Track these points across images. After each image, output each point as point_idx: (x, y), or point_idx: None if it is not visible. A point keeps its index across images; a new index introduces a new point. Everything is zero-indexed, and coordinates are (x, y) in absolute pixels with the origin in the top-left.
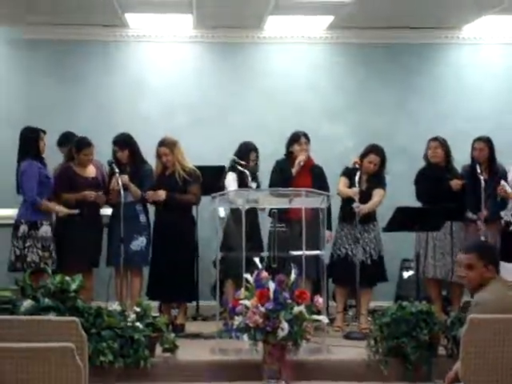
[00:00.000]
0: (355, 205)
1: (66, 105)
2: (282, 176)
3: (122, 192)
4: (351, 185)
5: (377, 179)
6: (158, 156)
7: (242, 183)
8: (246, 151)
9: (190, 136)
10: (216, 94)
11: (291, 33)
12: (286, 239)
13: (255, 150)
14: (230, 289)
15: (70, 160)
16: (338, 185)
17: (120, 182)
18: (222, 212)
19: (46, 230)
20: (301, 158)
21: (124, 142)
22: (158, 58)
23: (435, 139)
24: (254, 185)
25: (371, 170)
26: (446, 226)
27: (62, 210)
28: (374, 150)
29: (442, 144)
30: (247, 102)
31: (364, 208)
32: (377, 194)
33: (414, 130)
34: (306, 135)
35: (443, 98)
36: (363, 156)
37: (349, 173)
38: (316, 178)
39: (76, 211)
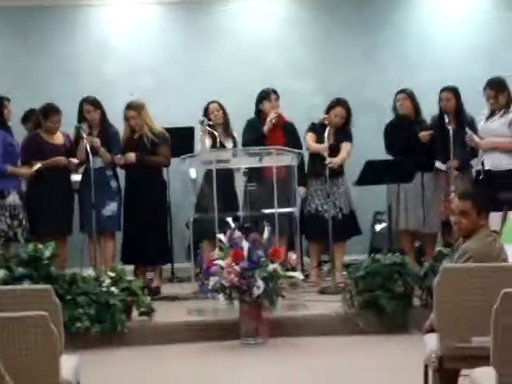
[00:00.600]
0: (328, 161)
1: (30, 72)
2: (254, 135)
3: (90, 157)
4: (319, 140)
5: (343, 133)
6: (126, 119)
7: (215, 143)
8: (206, 108)
9: (157, 98)
10: (182, 55)
11: None
12: (259, 197)
13: (220, 106)
14: (206, 250)
15: (36, 128)
16: (307, 141)
17: (88, 146)
18: (194, 173)
19: (13, 198)
20: (272, 116)
21: (97, 101)
22: (122, 21)
23: (403, 91)
24: (229, 142)
25: (337, 123)
26: (417, 178)
27: (26, 171)
28: (340, 103)
29: (410, 96)
30: (213, 61)
31: (336, 161)
32: (345, 148)
33: (382, 83)
34: (275, 92)
35: (409, 49)
36: (328, 110)
37: (316, 128)
38: (289, 135)
39: (38, 165)
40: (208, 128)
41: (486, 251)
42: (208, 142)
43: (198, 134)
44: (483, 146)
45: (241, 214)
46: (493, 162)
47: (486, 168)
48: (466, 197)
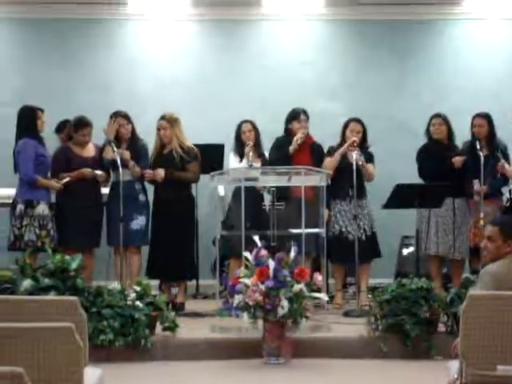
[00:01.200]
0: (355, 157)
1: (63, 84)
2: (281, 154)
3: (120, 170)
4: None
5: (364, 154)
6: (158, 129)
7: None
8: (238, 126)
9: (187, 114)
10: (214, 72)
11: (289, 9)
12: (286, 217)
13: (252, 126)
14: (232, 267)
15: (67, 140)
16: (325, 165)
17: (118, 158)
18: (222, 190)
19: (42, 208)
20: (298, 136)
21: (128, 115)
22: (156, 37)
23: (438, 116)
24: (258, 163)
25: (354, 139)
26: (449, 203)
27: (55, 184)
28: (353, 119)
29: (445, 120)
30: (245, 79)
31: (363, 160)
32: (369, 167)
33: (414, 108)
34: (305, 112)
35: (442, 74)
36: (344, 128)
37: (334, 151)
38: (315, 156)
39: (67, 179)
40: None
41: (505, 274)
42: (237, 161)
43: (230, 155)
44: (509, 173)
45: (269, 232)
46: None
47: None
48: (494, 223)
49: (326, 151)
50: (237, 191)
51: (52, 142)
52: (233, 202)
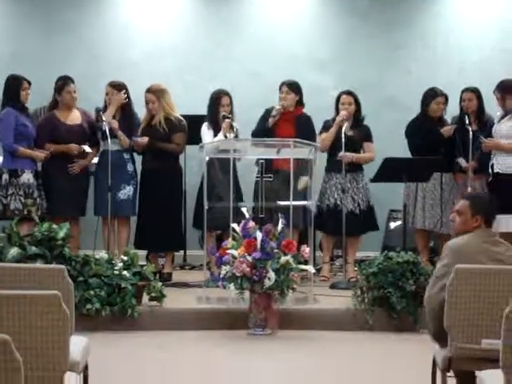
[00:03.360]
0: (341, 154)
1: (53, 53)
2: (260, 126)
3: (109, 139)
4: (334, 139)
5: (362, 131)
6: (146, 102)
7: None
8: (218, 98)
9: (178, 85)
10: (204, 43)
11: None
12: (273, 189)
13: (230, 99)
14: (209, 241)
15: (52, 108)
16: (321, 141)
17: (107, 128)
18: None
19: (27, 177)
20: (276, 108)
21: (121, 86)
22: (147, 6)
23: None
24: (231, 134)
25: (350, 111)
26: (437, 178)
27: (38, 154)
28: (343, 92)
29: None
30: (235, 50)
31: (348, 156)
32: (369, 150)
33: (403, 81)
34: (289, 84)
35: (432, 49)
36: (337, 102)
37: (329, 127)
38: (301, 128)
39: (48, 152)
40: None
41: (466, 249)
42: (211, 132)
43: (203, 125)
44: (488, 148)
45: (243, 204)
46: (501, 164)
47: (495, 171)
48: (465, 197)
49: (321, 126)
50: (209, 163)
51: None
52: (212, 173)
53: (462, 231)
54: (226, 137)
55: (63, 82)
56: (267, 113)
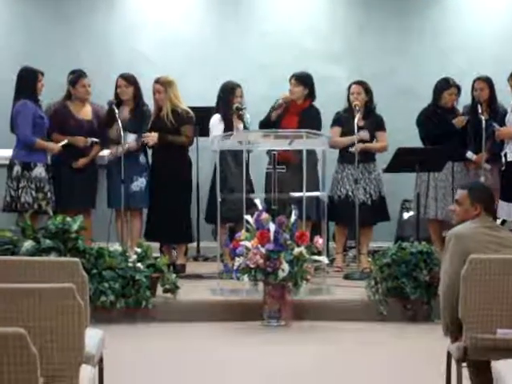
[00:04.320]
0: (351, 149)
1: (64, 46)
2: (265, 118)
3: (122, 134)
4: (345, 131)
5: (375, 120)
6: (153, 93)
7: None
8: (231, 90)
9: (188, 77)
10: (215, 36)
11: None
12: (285, 181)
13: (239, 86)
14: (222, 233)
15: (67, 99)
16: (332, 137)
17: (121, 125)
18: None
19: (39, 170)
20: (279, 101)
21: (132, 78)
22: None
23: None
24: (240, 124)
25: (359, 101)
26: (448, 167)
27: (54, 146)
28: (353, 82)
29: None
30: (246, 44)
31: (358, 147)
32: (382, 140)
33: (416, 72)
34: (297, 77)
35: (445, 38)
36: (348, 92)
37: (340, 119)
38: (306, 120)
39: (65, 141)
40: (240, 112)
41: (467, 234)
42: (222, 124)
43: (213, 116)
44: (502, 136)
45: (256, 196)
46: None
47: (509, 159)
48: (463, 187)
49: (332, 119)
50: (231, 153)
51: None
52: (226, 165)
53: (463, 220)
54: (245, 127)
55: (78, 75)
56: (275, 103)
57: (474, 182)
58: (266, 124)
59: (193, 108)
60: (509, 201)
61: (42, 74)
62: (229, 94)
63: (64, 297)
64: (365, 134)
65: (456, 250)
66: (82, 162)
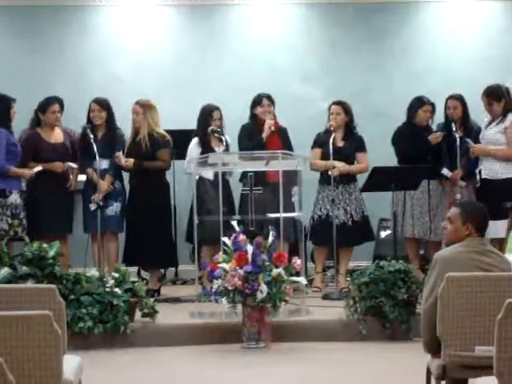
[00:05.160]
0: (330, 172)
1: (38, 71)
2: (252, 141)
3: (97, 158)
4: (325, 154)
5: (355, 140)
6: (132, 113)
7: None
8: (209, 113)
9: (164, 100)
10: (190, 57)
11: None
12: (262, 202)
13: (221, 113)
14: (207, 253)
15: (35, 126)
16: (311, 158)
17: (97, 154)
18: (211, 175)
19: (15, 197)
20: (270, 123)
21: (105, 102)
22: (132, 22)
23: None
24: (220, 147)
25: (338, 121)
26: (424, 185)
27: (27, 172)
28: (334, 103)
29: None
30: (221, 64)
31: (336, 171)
32: (362, 161)
33: (389, 91)
34: (268, 97)
35: (417, 58)
36: (328, 113)
37: (320, 141)
38: (284, 140)
39: (39, 168)
40: (217, 135)
41: (456, 259)
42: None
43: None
44: (476, 153)
45: (238, 217)
46: (488, 170)
47: (483, 177)
48: (456, 205)
49: (313, 140)
50: (201, 177)
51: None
52: (204, 187)
53: (453, 239)
54: (226, 149)
55: (47, 102)
56: (245, 129)
57: (468, 201)
58: (257, 147)
59: (170, 131)
60: None
61: (15, 101)
62: (206, 116)
63: (41, 324)
64: (342, 164)
65: (438, 277)
66: (72, 181)
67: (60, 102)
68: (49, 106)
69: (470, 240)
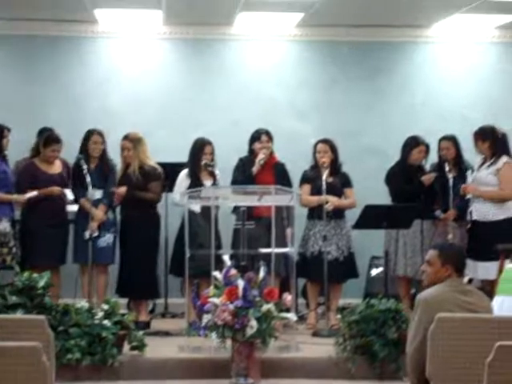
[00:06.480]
0: (326, 206)
1: (33, 101)
2: (244, 175)
3: (90, 189)
4: (314, 189)
5: (341, 177)
6: (121, 149)
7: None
8: (200, 147)
9: (159, 133)
10: (185, 91)
11: (261, 30)
12: (254, 236)
13: (212, 148)
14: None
15: (35, 155)
16: (301, 195)
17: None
18: (198, 208)
19: (4, 225)
20: (260, 157)
21: (103, 135)
22: (128, 55)
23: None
24: (209, 181)
25: (324, 160)
26: (417, 224)
27: (18, 197)
28: (319, 141)
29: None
30: (216, 98)
31: (329, 206)
32: (350, 196)
33: (384, 130)
34: (267, 133)
35: (412, 96)
36: (314, 151)
37: (308, 177)
38: (279, 176)
39: (34, 193)
40: (210, 169)
41: (438, 300)
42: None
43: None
44: (466, 191)
45: (224, 251)
46: (479, 212)
47: (474, 218)
48: (434, 247)
49: (300, 179)
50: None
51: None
52: (194, 221)
53: (433, 281)
54: (214, 183)
55: (50, 139)
56: (241, 162)
57: (445, 242)
58: (247, 180)
59: (162, 164)
60: (475, 259)
61: (9, 129)
62: (198, 150)
63: (30, 356)
64: (336, 199)
65: (422, 318)
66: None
67: (60, 141)
68: (52, 143)
69: (452, 280)
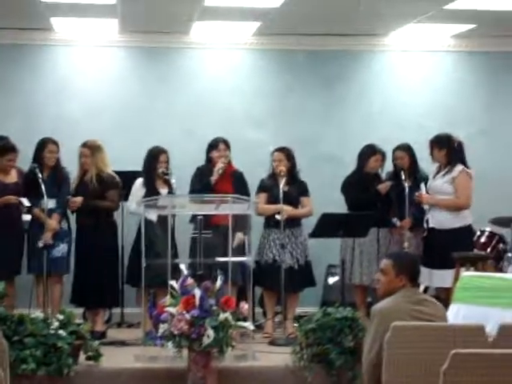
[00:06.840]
0: (277, 216)
1: None
2: (202, 183)
3: (45, 198)
4: (271, 197)
5: (298, 186)
6: (79, 156)
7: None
8: (156, 155)
9: (115, 141)
10: (141, 99)
11: (217, 38)
12: (210, 245)
13: (167, 156)
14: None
15: None
16: (258, 203)
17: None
18: (154, 217)
19: None
20: (219, 166)
21: (58, 144)
22: (83, 63)
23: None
24: (165, 189)
25: (281, 169)
26: (373, 233)
27: None
28: (276, 149)
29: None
30: (172, 106)
31: (283, 215)
32: (307, 205)
33: (340, 138)
34: (225, 141)
35: (369, 104)
36: (271, 160)
37: (266, 186)
38: (237, 184)
39: None
40: (166, 177)
41: (393, 311)
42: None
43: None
44: (421, 200)
45: (181, 260)
46: (436, 220)
47: (430, 226)
48: (388, 256)
49: (257, 186)
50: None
51: None
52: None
53: (387, 291)
54: (170, 192)
55: (6, 148)
56: (198, 171)
57: (399, 251)
58: (205, 189)
59: (119, 172)
60: (430, 266)
61: None
62: (153, 159)
63: None
64: (290, 208)
65: (378, 329)
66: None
67: (17, 150)
68: (7, 153)
69: (406, 290)
